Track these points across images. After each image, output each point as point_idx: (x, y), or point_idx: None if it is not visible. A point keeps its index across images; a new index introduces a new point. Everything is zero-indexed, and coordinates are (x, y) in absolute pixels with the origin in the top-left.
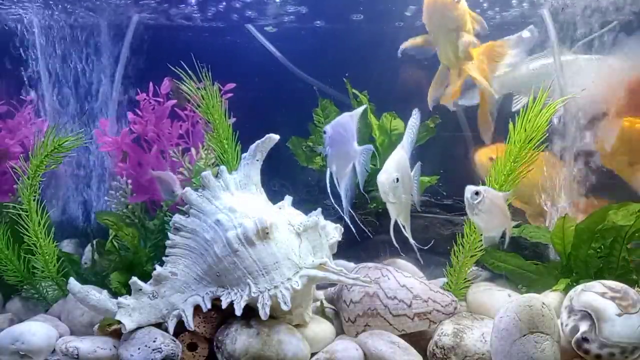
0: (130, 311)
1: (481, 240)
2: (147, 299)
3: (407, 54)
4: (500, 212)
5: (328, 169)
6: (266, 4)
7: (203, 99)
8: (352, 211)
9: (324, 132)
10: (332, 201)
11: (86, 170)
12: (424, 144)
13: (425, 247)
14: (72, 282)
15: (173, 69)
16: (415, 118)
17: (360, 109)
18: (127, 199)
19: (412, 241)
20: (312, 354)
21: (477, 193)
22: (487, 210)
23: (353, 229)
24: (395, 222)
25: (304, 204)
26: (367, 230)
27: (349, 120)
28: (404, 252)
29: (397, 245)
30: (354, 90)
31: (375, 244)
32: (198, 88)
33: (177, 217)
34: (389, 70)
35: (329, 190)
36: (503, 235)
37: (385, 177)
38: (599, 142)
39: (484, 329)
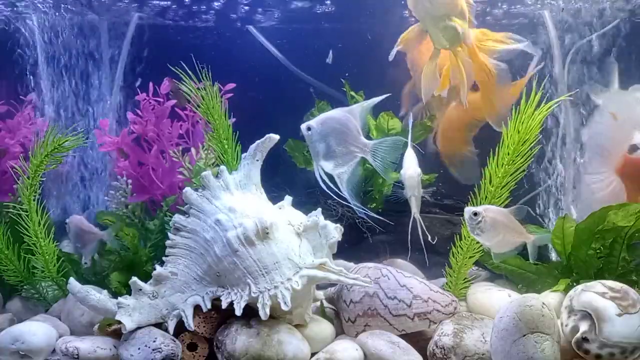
0: (130, 311)
1: (479, 242)
2: (147, 299)
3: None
4: (507, 229)
5: (317, 166)
6: (266, 4)
7: (203, 99)
8: (357, 206)
9: (308, 129)
10: (337, 199)
11: None
12: (424, 142)
13: (433, 243)
14: (72, 282)
15: (173, 69)
16: (410, 120)
17: (369, 102)
18: (127, 199)
19: (421, 238)
20: (312, 354)
21: (475, 214)
22: (489, 229)
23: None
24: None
25: (305, 206)
26: (388, 224)
27: (346, 114)
28: (406, 252)
29: (409, 244)
30: (352, 92)
31: (375, 244)
32: (198, 88)
33: (177, 217)
34: (386, 68)
35: (323, 186)
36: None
37: (412, 172)
38: None
39: (484, 329)
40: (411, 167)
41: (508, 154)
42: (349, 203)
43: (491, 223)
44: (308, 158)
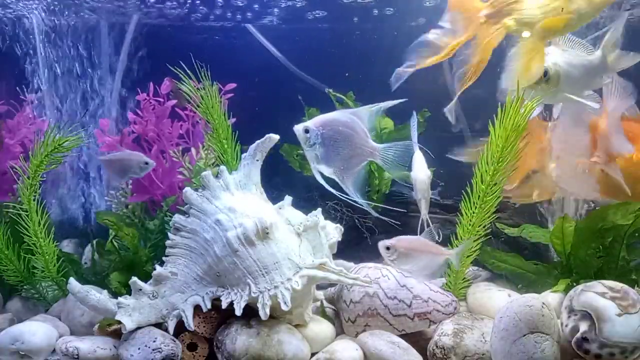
0: (130, 311)
1: (476, 240)
2: (147, 299)
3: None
4: (422, 254)
5: (316, 171)
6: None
7: (202, 99)
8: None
9: (306, 131)
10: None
11: None
12: (424, 142)
13: (438, 241)
14: (72, 282)
15: (172, 69)
16: (413, 120)
17: (379, 105)
18: (127, 199)
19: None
20: (312, 354)
21: (388, 248)
22: (403, 258)
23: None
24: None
25: (304, 208)
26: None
27: (352, 117)
28: None
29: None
30: (338, 94)
31: (376, 244)
32: (198, 88)
33: (177, 217)
34: (385, 69)
35: (331, 190)
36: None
37: (423, 174)
38: None
39: (484, 329)
40: (421, 170)
41: (497, 152)
42: (355, 204)
43: (405, 252)
44: (302, 163)
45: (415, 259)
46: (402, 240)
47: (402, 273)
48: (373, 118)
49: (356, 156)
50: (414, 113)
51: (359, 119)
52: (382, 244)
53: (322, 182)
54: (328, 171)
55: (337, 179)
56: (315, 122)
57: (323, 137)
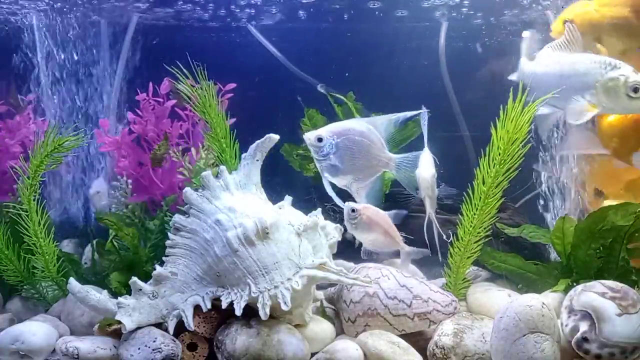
0: (130, 311)
1: (477, 241)
2: (147, 299)
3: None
4: (381, 231)
5: (326, 181)
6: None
7: (199, 98)
8: None
9: (319, 140)
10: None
11: None
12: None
13: (448, 240)
14: (72, 282)
15: (170, 69)
16: (424, 116)
17: (398, 115)
18: (127, 199)
19: (436, 238)
20: (312, 354)
21: (353, 210)
22: (364, 227)
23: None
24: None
25: (302, 209)
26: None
27: (368, 126)
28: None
29: (426, 241)
30: (337, 95)
31: None
32: (196, 88)
33: (177, 217)
34: (387, 69)
35: (338, 202)
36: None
37: (427, 172)
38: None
39: (484, 329)
40: (426, 169)
41: (499, 154)
42: None
43: (367, 222)
44: (302, 163)
45: (373, 231)
46: (368, 209)
47: (402, 273)
48: (391, 128)
49: (371, 167)
50: (424, 108)
51: (375, 127)
52: (348, 205)
53: (332, 194)
54: (341, 183)
55: (350, 191)
56: (329, 130)
57: (338, 147)
